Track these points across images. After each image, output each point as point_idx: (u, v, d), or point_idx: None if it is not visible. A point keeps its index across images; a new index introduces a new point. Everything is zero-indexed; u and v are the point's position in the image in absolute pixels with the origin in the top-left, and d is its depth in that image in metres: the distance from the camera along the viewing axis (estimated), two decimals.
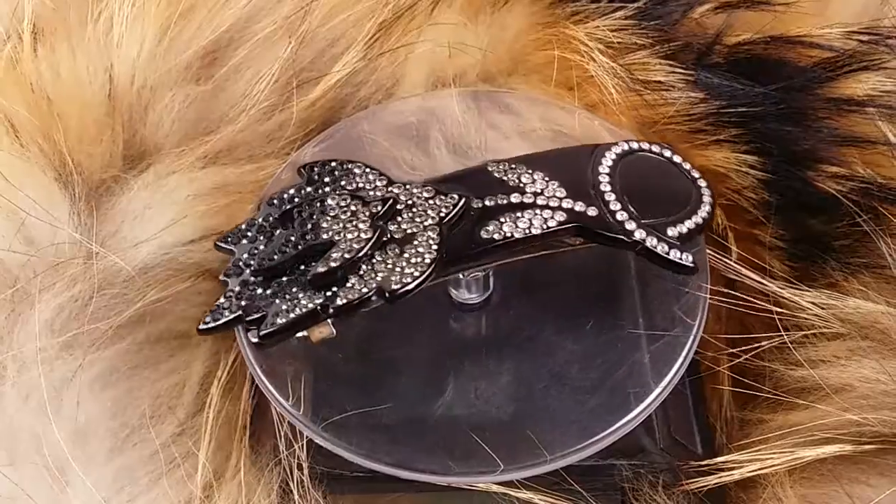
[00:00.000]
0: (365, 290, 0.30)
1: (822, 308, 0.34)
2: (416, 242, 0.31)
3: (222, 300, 0.31)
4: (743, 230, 0.38)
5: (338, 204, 0.32)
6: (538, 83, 0.40)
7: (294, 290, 0.30)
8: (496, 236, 0.31)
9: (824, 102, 0.37)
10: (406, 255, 0.30)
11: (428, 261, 0.30)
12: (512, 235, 0.31)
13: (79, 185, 0.35)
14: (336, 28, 0.39)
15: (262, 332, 0.30)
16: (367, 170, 0.33)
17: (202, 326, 0.31)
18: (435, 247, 0.30)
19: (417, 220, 0.31)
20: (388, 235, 0.31)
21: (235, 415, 0.34)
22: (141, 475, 0.32)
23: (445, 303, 0.34)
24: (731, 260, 0.35)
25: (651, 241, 0.32)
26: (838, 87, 0.37)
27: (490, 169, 0.33)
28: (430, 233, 0.31)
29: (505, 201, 0.32)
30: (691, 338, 0.32)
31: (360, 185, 0.32)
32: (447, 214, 0.31)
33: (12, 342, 0.33)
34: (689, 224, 0.33)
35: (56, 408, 0.32)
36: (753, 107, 0.37)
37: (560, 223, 0.31)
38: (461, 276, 0.33)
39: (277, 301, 0.30)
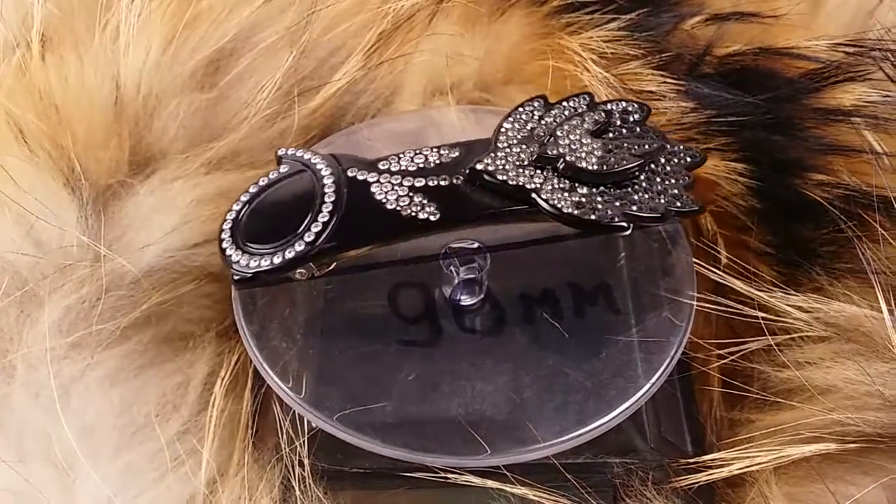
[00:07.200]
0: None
1: (808, 311, 0.35)
2: None
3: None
4: (732, 236, 0.39)
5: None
6: (534, 92, 0.40)
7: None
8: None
9: (811, 112, 0.38)
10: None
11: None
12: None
13: (86, 190, 0.36)
14: (337, 38, 0.40)
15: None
16: None
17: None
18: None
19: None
20: None
21: (238, 413, 0.35)
22: (147, 471, 0.33)
23: (443, 305, 0.35)
24: (717, 266, 0.36)
25: None
26: (825, 98, 0.38)
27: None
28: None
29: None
30: (679, 338, 0.33)
31: None
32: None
33: (22, 342, 0.34)
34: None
35: (64, 406, 0.33)
36: (743, 116, 0.38)
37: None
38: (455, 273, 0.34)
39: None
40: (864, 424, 0.33)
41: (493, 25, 0.41)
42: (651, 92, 0.39)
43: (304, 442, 0.33)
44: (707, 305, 0.35)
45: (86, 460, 0.32)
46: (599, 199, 0.32)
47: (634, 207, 0.32)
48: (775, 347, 0.35)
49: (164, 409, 0.34)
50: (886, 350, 0.33)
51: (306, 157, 0.34)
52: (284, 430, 0.33)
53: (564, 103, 0.35)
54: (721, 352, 0.36)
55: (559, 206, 0.32)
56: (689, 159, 0.34)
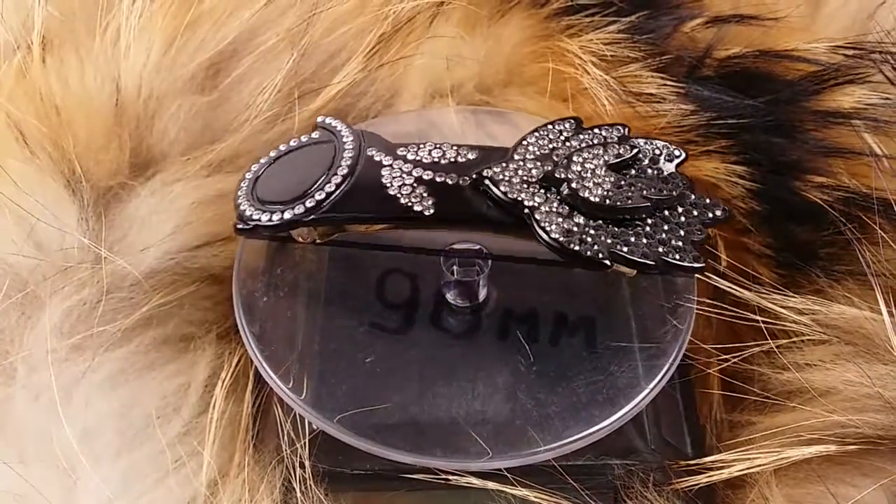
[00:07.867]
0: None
1: (808, 314, 0.35)
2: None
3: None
4: (732, 238, 0.39)
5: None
6: (534, 95, 0.41)
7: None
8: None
9: (811, 115, 0.38)
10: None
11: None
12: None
13: (87, 192, 0.36)
14: (337, 40, 0.40)
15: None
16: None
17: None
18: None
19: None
20: None
21: (239, 415, 0.35)
22: (148, 473, 0.33)
23: (444, 306, 0.35)
24: (717, 269, 0.36)
25: None
26: (825, 100, 0.38)
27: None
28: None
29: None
30: (679, 341, 0.33)
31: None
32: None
33: (22, 344, 0.34)
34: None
35: (65, 408, 0.33)
36: (742, 119, 0.38)
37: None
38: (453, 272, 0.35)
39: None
40: (865, 426, 0.33)
41: (493, 28, 0.41)
42: (651, 94, 0.39)
43: (305, 443, 0.33)
44: (707, 308, 0.35)
45: (87, 462, 0.32)
46: (592, 231, 0.32)
47: (625, 249, 0.31)
48: (776, 350, 0.35)
49: (164, 410, 0.34)
50: (886, 352, 0.33)
51: (338, 128, 0.35)
52: (285, 432, 0.33)
53: (595, 130, 0.34)
54: (722, 354, 0.36)
55: (548, 229, 0.32)
56: (710, 215, 0.32)
